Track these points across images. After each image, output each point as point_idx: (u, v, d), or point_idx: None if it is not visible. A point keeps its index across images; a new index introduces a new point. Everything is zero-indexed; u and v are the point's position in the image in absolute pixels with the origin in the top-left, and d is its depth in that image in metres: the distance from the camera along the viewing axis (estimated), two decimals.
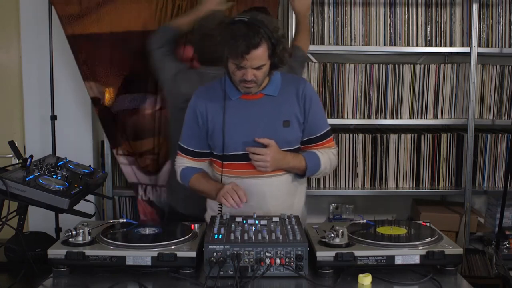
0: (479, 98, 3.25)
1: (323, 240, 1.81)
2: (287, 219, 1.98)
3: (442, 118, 3.27)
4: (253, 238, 1.77)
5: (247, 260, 1.72)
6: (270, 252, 1.72)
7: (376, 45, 3.20)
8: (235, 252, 1.71)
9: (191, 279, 1.74)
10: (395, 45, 3.22)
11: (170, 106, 2.70)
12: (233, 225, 1.88)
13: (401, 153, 3.25)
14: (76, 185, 2.06)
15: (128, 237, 1.87)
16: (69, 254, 1.75)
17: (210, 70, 2.51)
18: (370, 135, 3.24)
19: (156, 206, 3.15)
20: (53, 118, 3.08)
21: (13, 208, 1.96)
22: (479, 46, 3.18)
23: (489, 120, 3.28)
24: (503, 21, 3.21)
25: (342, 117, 3.24)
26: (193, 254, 1.74)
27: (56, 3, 2.94)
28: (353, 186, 3.27)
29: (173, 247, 1.78)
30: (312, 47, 3.03)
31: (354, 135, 3.24)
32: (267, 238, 1.78)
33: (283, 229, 1.86)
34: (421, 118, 3.26)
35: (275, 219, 1.97)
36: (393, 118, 3.25)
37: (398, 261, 1.76)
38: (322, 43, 3.19)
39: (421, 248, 1.78)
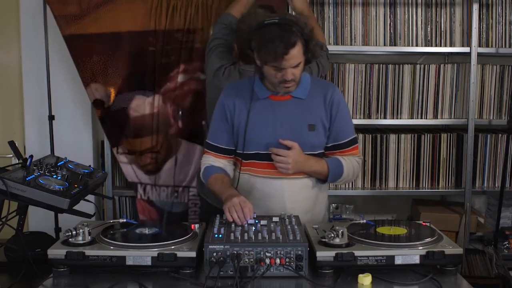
0: (479, 98, 3.25)
1: (323, 240, 1.81)
2: (287, 219, 1.98)
3: (442, 118, 3.27)
4: (253, 238, 1.77)
5: (247, 260, 1.72)
6: (270, 252, 1.72)
7: (376, 45, 3.20)
8: (235, 252, 1.71)
9: (191, 279, 1.74)
10: (395, 45, 3.22)
11: (210, 99, 2.68)
12: (233, 225, 1.88)
13: (401, 153, 3.25)
14: (76, 185, 2.06)
15: (128, 237, 1.87)
16: (69, 254, 1.75)
17: (250, 68, 2.51)
18: (370, 135, 3.24)
19: (155, 205, 3.15)
20: (51, 118, 3.08)
21: (13, 208, 1.96)
22: (479, 46, 3.17)
23: (489, 120, 3.28)
24: (503, 21, 3.21)
25: None
26: (193, 254, 1.74)
27: (51, 2, 2.94)
28: (353, 186, 3.27)
29: (173, 247, 1.78)
30: None
31: None
32: (267, 238, 1.78)
33: (283, 229, 1.86)
34: (421, 118, 3.26)
35: (275, 219, 1.97)
36: (393, 118, 3.25)
37: (398, 261, 1.76)
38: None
39: (421, 248, 1.78)
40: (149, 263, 1.75)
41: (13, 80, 3.31)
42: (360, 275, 1.70)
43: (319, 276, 1.75)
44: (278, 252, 1.73)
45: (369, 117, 3.24)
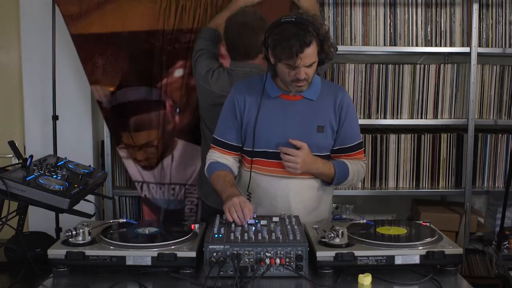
0: (479, 98, 3.25)
1: (323, 240, 1.81)
2: (287, 219, 1.98)
3: (442, 118, 3.27)
4: (253, 238, 1.77)
5: (247, 260, 1.72)
6: (270, 252, 1.72)
7: (376, 45, 3.20)
8: (235, 252, 1.71)
9: (191, 279, 1.74)
10: (395, 45, 3.21)
11: (202, 103, 2.70)
12: (233, 225, 1.88)
13: (401, 153, 3.25)
14: (76, 185, 2.06)
15: (128, 237, 1.87)
16: (69, 254, 1.75)
17: (241, 67, 2.53)
18: (370, 135, 3.24)
19: (151, 203, 3.15)
20: (55, 118, 3.07)
21: (13, 208, 1.96)
22: (479, 46, 3.17)
23: (489, 120, 3.28)
24: (503, 21, 3.21)
25: None
26: (193, 254, 1.74)
27: (60, 3, 2.94)
28: (353, 186, 3.26)
29: (173, 247, 1.78)
30: None
31: None
32: (267, 238, 1.78)
33: (283, 229, 1.86)
34: (421, 118, 3.26)
35: (275, 219, 1.98)
36: (393, 118, 3.25)
37: (398, 261, 1.76)
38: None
39: (421, 248, 1.78)
40: (149, 263, 1.75)
41: (13, 80, 3.31)
42: (360, 275, 1.70)
43: (319, 276, 1.75)
44: (278, 252, 1.73)
45: (369, 117, 3.24)
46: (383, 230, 1.95)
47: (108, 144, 3.15)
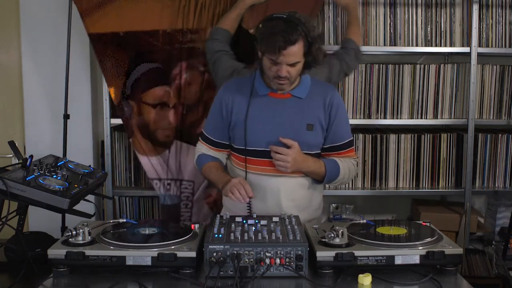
0: (479, 98, 3.25)
1: (323, 240, 1.81)
2: (287, 219, 1.98)
3: (442, 118, 3.27)
4: (253, 238, 1.77)
5: (247, 260, 1.72)
6: (270, 252, 1.72)
7: (376, 45, 3.19)
8: (235, 252, 1.71)
9: (191, 279, 1.74)
10: (395, 45, 3.21)
11: None
12: (233, 225, 1.88)
13: (401, 153, 3.25)
14: (76, 185, 2.06)
15: (128, 237, 1.87)
16: (69, 254, 1.75)
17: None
18: (370, 135, 3.24)
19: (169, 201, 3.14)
20: (66, 117, 3.01)
21: (13, 208, 1.96)
22: (479, 46, 3.17)
23: (489, 120, 3.28)
24: (503, 21, 3.21)
25: None
26: (193, 254, 1.74)
27: (77, 1, 2.92)
28: (353, 186, 3.27)
29: (173, 247, 1.78)
30: None
31: (354, 135, 3.24)
32: (267, 238, 1.78)
33: (283, 229, 1.86)
34: (421, 118, 3.25)
35: (275, 219, 1.98)
36: (393, 118, 3.25)
37: (398, 261, 1.76)
38: (322, 43, 3.18)
39: (421, 248, 1.79)
40: (149, 263, 1.75)
41: (13, 80, 3.31)
42: (360, 275, 1.70)
43: (319, 276, 1.75)
44: (278, 252, 1.73)
45: (369, 117, 3.24)
46: (383, 230, 1.95)
47: (108, 144, 3.15)
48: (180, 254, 1.74)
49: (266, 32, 2.00)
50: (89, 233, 1.83)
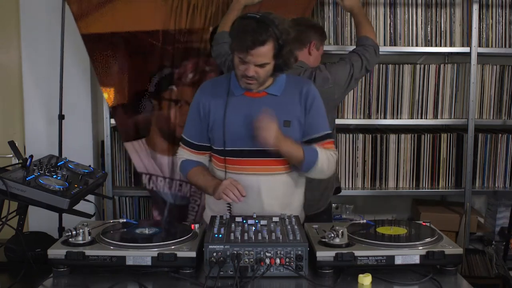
0: (479, 98, 3.25)
1: (323, 240, 1.81)
2: (287, 219, 1.98)
3: (442, 118, 3.27)
4: (253, 238, 1.77)
5: (247, 260, 1.72)
6: (270, 252, 1.72)
7: None
8: (235, 252, 1.71)
9: (191, 279, 1.74)
10: (395, 45, 3.22)
11: None
12: (233, 225, 1.88)
13: (401, 153, 3.26)
14: (76, 185, 2.06)
15: (128, 237, 1.87)
16: (69, 254, 1.75)
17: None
18: (370, 135, 3.24)
19: (159, 196, 3.14)
20: (61, 117, 3.04)
21: (13, 208, 1.96)
22: (479, 46, 3.18)
23: (489, 120, 3.28)
24: (503, 21, 3.21)
25: (342, 117, 3.24)
26: (193, 254, 1.74)
27: (71, 2, 2.93)
28: (353, 186, 3.27)
29: (173, 247, 1.78)
30: None
31: (354, 135, 3.24)
32: (267, 238, 1.77)
33: (283, 229, 1.86)
34: (421, 118, 3.26)
35: (275, 219, 1.97)
36: (393, 118, 3.25)
37: (398, 261, 1.76)
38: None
39: (421, 248, 1.78)
40: (149, 263, 1.75)
41: (13, 80, 3.31)
42: (360, 275, 1.70)
43: (319, 276, 1.75)
44: (278, 252, 1.73)
45: (369, 117, 3.24)
46: (383, 230, 1.95)
47: (108, 144, 3.15)
48: (180, 254, 1.74)
49: (237, 30, 2.00)
50: (89, 233, 1.83)
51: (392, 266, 1.77)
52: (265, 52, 1.98)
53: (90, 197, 2.25)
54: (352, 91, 3.20)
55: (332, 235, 1.79)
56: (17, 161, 2.21)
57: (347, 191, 3.26)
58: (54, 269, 1.78)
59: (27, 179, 1.96)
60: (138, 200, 3.30)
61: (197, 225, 1.99)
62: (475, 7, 3.13)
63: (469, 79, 3.17)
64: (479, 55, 3.16)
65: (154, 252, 1.75)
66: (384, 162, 3.25)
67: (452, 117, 3.27)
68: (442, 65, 3.24)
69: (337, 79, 2.54)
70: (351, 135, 3.24)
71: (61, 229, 3.00)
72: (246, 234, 1.80)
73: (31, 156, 2.12)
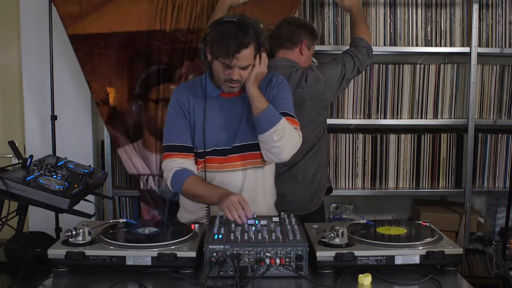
0: (479, 98, 3.25)
1: (323, 240, 1.81)
2: (287, 219, 1.98)
3: (442, 118, 3.27)
4: (253, 238, 1.77)
5: (247, 260, 1.72)
6: (270, 252, 1.72)
7: (376, 45, 3.19)
8: (235, 252, 1.71)
9: (191, 279, 1.74)
10: (395, 45, 3.22)
11: None
12: (233, 225, 1.88)
13: (401, 153, 3.26)
14: (76, 185, 2.06)
15: (128, 237, 1.87)
16: (69, 254, 1.75)
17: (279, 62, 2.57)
18: (370, 135, 3.24)
19: (157, 195, 3.14)
20: (53, 118, 3.07)
21: (13, 208, 1.96)
22: (479, 46, 3.18)
23: (489, 120, 3.28)
24: (503, 21, 3.21)
25: (342, 117, 3.24)
26: (193, 254, 1.74)
27: (57, 3, 2.94)
28: (353, 186, 3.27)
29: (173, 247, 1.78)
30: None
31: (354, 135, 3.24)
32: (267, 238, 1.78)
33: (283, 229, 1.86)
34: (421, 118, 3.26)
35: (275, 219, 1.98)
36: (393, 118, 3.25)
37: (398, 261, 1.76)
38: (322, 43, 3.19)
39: (421, 248, 1.78)
40: (149, 263, 1.75)
41: (13, 80, 3.31)
42: (360, 275, 1.70)
43: (319, 276, 1.75)
44: (278, 252, 1.73)
45: (369, 117, 3.24)
46: (383, 230, 1.95)
47: (108, 144, 3.15)
48: (180, 254, 1.74)
49: (217, 36, 1.99)
50: (89, 233, 1.83)
51: (392, 266, 1.77)
52: (248, 54, 2.01)
53: (90, 197, 2.25)
54: (352, 91, 3.21)
55: (332, 235, 1.79)
56: (17, 161, 2.21)
57: (347, 191, 3.26)
58: (54, 269, 1.78)
59: (27, 179, 1.96)
60: (138, 200, 3.29)
61: (197, 225, 1.99)
62: (475, 7, 3.13)
63: (469, 79, 3.17)
64: (479, 55, 3.16)
65: (154, 252, 1.75)
66: (384, 162, 3.26)
67: (452, 117, 3.27)
68: (442, 65, 3.24)
69: (329, 79, 2.55)
70: (351, 135, 3.24)
71: (58, 229, 3.01)
72: (246, 234, 1.80)
73: (31, 156, 2.12)
